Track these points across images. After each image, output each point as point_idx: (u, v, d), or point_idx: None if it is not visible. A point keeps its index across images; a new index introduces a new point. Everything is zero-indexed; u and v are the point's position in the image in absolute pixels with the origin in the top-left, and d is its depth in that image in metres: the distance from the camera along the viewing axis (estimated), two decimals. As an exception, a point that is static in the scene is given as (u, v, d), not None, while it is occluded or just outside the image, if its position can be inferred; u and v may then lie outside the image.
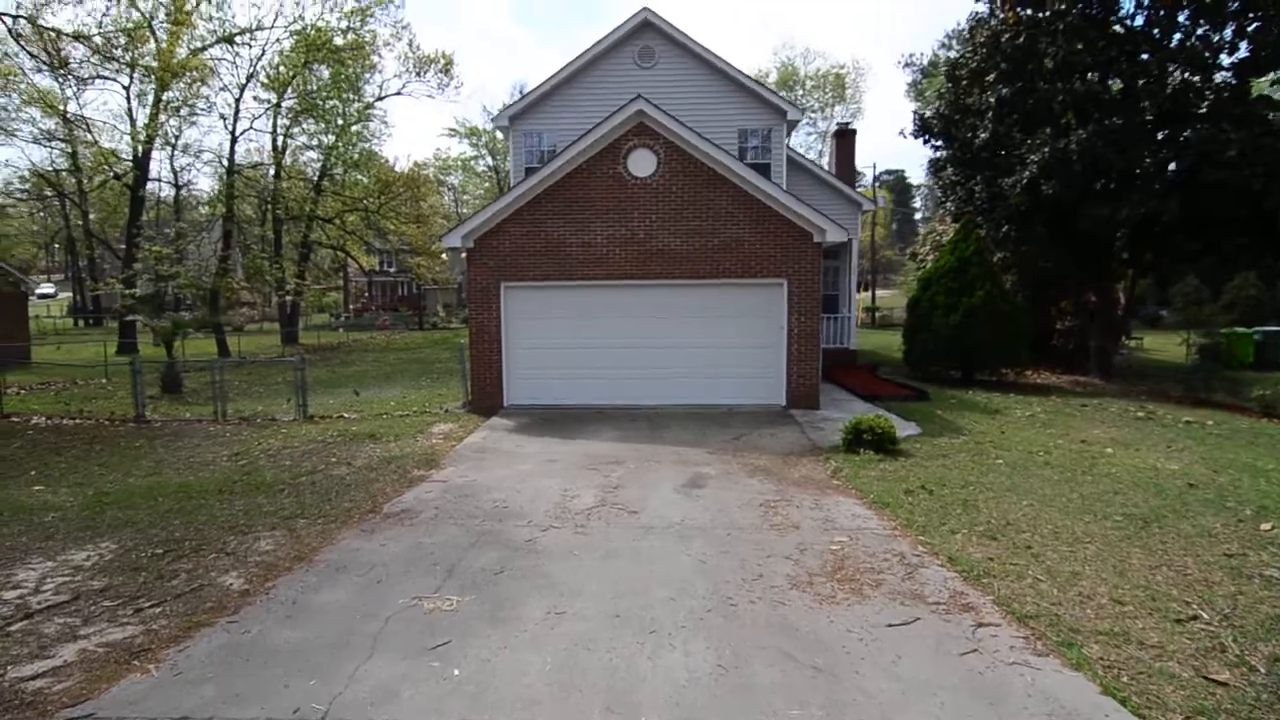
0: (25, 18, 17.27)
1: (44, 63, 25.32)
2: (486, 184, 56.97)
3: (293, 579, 5.34)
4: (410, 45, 36.15)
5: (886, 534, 6.10)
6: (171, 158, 33.21)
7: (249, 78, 30.23)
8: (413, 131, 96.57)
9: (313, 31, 30.34)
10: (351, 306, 56.86)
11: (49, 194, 40.84)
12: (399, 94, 37.84)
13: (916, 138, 19.11)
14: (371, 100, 35.56)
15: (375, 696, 3.72)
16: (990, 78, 17.49)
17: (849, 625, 4.41)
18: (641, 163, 12.38)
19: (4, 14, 16.79)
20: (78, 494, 7.96)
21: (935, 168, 19.87)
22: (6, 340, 24.37)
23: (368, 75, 34.43)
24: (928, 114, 18.89)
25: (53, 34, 20.08)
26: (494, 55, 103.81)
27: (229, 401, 14.80)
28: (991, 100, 17.37)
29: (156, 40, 26.86)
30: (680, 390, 12.61)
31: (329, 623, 4.59)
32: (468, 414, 12.48)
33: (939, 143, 19.04)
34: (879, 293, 49.91)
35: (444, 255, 39.89)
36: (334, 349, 30.95)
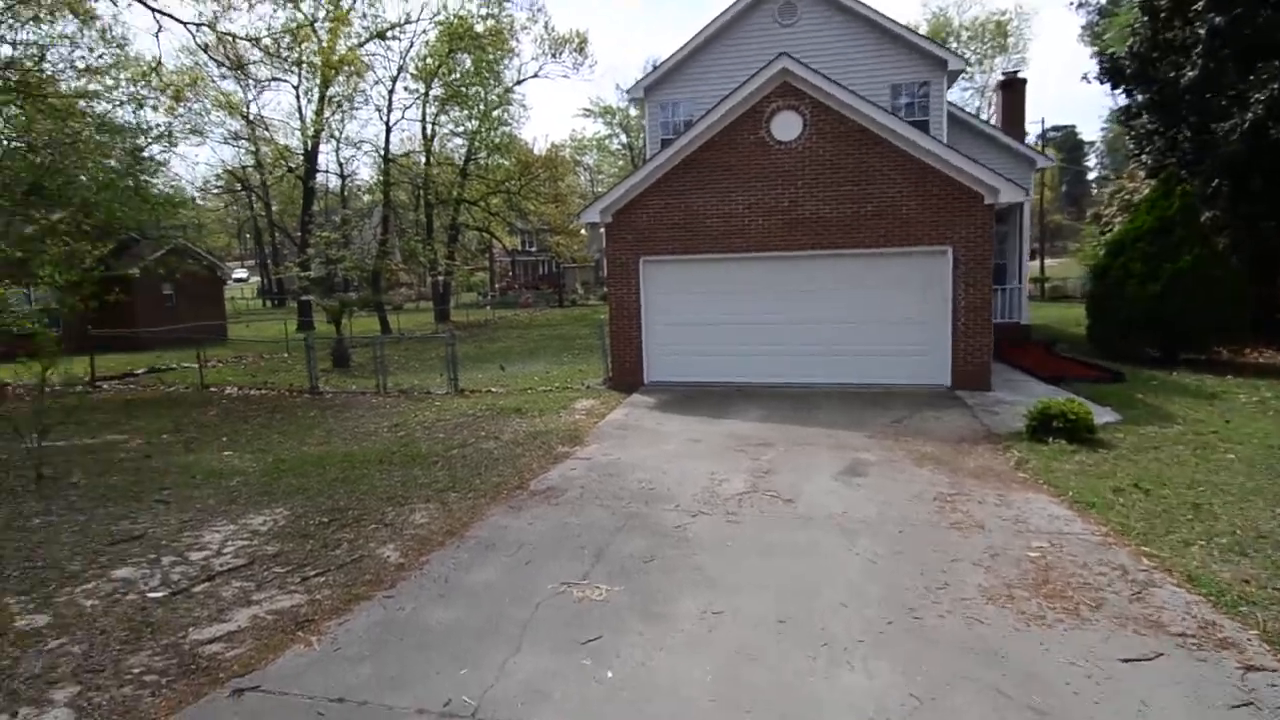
0: (207, 25, 19.09)
1: (227, 68, 28.05)
2: (621, 162, 57.34)
3: (445, 555, 5.31)
4: (546, 27, 36.76)
5: (1097, 541, 5.16)
6: (337, 150, 36.01)
7: (399, 70, 31.98)
8: (549, 112, 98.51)
9: (455, 20, 31.52)
10: (497, 285, 59.56)
11: (238, 188, 45.72)
12: (536, 76, 38.70)
13: (1104, 82, 16.70)
14: (510, 85, 36.57)
15: (525, 694, 3.49)
16: (1198, 6, 14.85)
17: (1069, 655, 3.66)
18: (786, 125, 11.56)
19: (188, 23, 18.70)
20: (259, 460, 8.57)
21: (1127, 116, 17.29)
22: (206, 320, 27.55)
23: (506, 60, 35.37)
24: (1118, 54, 16.40)
25: (230, 39, 22.11)
26: (615, 30, 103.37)
27: (389, 375, 15.74)
28: (1200, 32, 14.76)
29: (318, 39, 28.94)
30: (830, 368, 11.79)
31: (479, 605, 4.46)
32: (608, 390, 12.37)
33: (1131, 86, 16.52)
34: (1048, 261, 45.22)
35: (583, 231, 40.51)
36: (481, 326, 32.41)
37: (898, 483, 6.71)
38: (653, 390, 12.06)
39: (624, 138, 56.12)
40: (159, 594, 4.67)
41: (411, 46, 32.31)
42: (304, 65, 29.90)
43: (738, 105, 11.59)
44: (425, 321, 34.94)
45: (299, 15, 27.09)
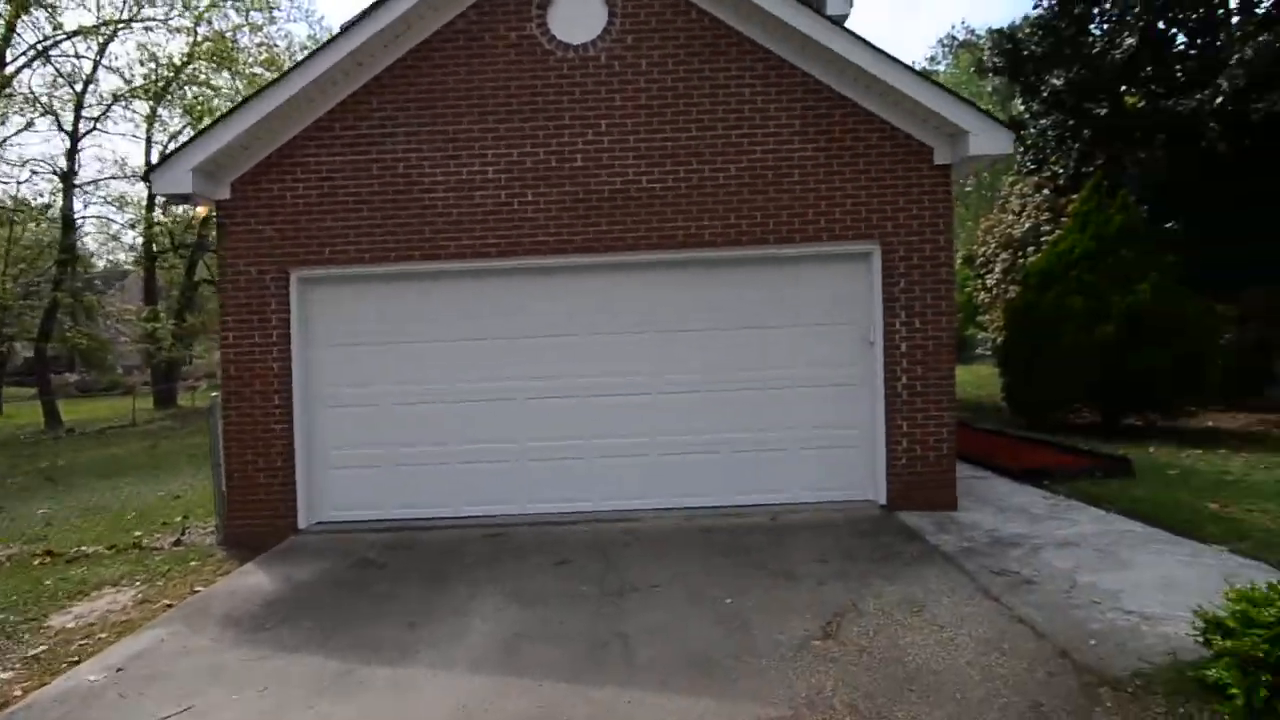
0: None
1: None
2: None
3: None
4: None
5: None
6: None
7: (95, 66, 22.74)
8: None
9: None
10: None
11: None
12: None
13: (998, 73, 13.03)
14: None
15: None
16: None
17: None
18: (576, 15, 6.01)
19: None
20: None
21: (1029, 117, 13.48)
22: None
23: None
24: (1020, 35, 12.77)
25: None
26: None
27: None
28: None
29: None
30: (666, 479, 6.03)
31: None
32: (218, 551, 5.76)
33: (1036, 75, 12.84)
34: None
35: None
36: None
37: None
38: (310, 547, 5.57)
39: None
40: None
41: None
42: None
43: (477, -30, 5.91)
44: (142, 408, 25.57)
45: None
